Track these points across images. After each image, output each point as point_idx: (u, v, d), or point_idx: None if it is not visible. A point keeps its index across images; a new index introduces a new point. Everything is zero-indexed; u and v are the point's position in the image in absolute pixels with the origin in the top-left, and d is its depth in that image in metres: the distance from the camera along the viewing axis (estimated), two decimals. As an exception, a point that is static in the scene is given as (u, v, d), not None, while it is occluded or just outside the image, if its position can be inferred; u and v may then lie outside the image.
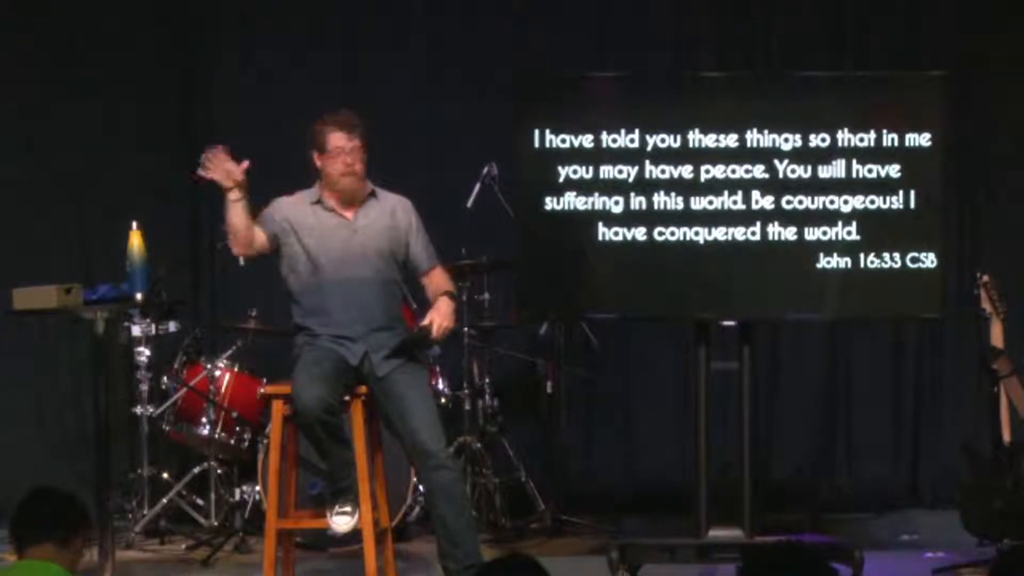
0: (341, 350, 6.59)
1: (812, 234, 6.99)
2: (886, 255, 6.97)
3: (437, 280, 6.79)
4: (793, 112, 7.04)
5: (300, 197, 6.75)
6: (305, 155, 6.74)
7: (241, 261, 6.73)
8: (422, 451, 6.56)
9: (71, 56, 8.85)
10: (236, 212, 6.57)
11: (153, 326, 8.09)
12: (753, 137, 7.00)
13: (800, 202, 6.99)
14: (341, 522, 6.57)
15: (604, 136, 7.03)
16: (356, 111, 6.78)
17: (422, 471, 6.67)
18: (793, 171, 6.99)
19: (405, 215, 6.77)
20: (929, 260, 6.97)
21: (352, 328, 6.60)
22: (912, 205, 6.97)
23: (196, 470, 8.16)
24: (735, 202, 6.99)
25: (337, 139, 6.63)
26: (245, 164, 6.53)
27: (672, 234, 7.02)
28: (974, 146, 8.72)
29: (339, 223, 6.67)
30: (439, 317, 6.63)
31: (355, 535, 6.72)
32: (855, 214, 6.97)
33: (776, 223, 6.99)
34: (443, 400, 7.97)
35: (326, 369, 6.51)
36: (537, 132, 7.03)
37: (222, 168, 6.53)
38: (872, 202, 6.97)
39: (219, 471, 8.07)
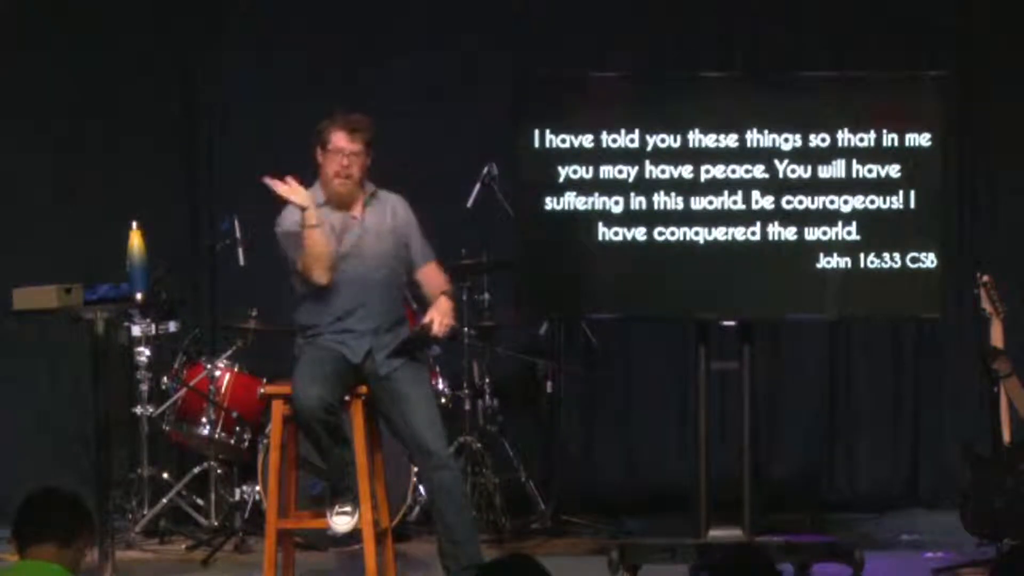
0: (343, 349, 6.59)
1: (812, 234, 6.99)
2: (886, 255, 6.98)
3: (434, 278, 6.78)
4: (793, 112, 7.05)
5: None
6: (307, 156, 6.73)
7: (324, 280, 6.57)
8: (424, 450, 6.56)
9: (71, 56, 8.85)
10: (321, 236, 6.51)
11: (153, 326, 8.09)
12: (753, 137, 7.01)
13: (800, 202, 7.00)
14: (341, 522, 6.57)
15: (604, 136, 7.03)
16: (362, 115, 6.76)
17: (424, 470, 6.68)
18: (793, 171, 7.00)
19: (404, 212, 6.77)
20: (929, 260, 6.98)
21: (360, 325, 6.60)
22: (912, 205, 6.97)
23: (196, 470, 8.16)
24: (735, 202, 7.00)
25: (338, 139, 6.63)
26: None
27: (672, 234, 7.02)
28: (974, 146, 8.73)
29: (350, 223, 6.66)
30: (439, 315, 6.62)
31: (355, 535, 6.73)
32: (855, 214, 6.97)
33: (776, 223, 7.00)
34: (443, 400, 7.96)
35: (326, 369, 6.51)
36: (537, 132, 7.04)
37: (300, 191, 6.55)
38: (872, 202, 6.98)
39: (219, 471, 8.06)
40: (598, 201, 7.03)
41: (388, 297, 6.70)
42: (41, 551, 4.53)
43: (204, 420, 8.08)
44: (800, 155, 6.99)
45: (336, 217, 6.66)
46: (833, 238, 6.98)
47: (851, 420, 8.85)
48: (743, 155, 7.00)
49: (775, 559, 6.74)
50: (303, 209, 6.51)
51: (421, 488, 7.64)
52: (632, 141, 7.03)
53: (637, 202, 7.03)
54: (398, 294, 6.80)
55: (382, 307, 6.66)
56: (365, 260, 6.63)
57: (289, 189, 6.55)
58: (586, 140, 7.03)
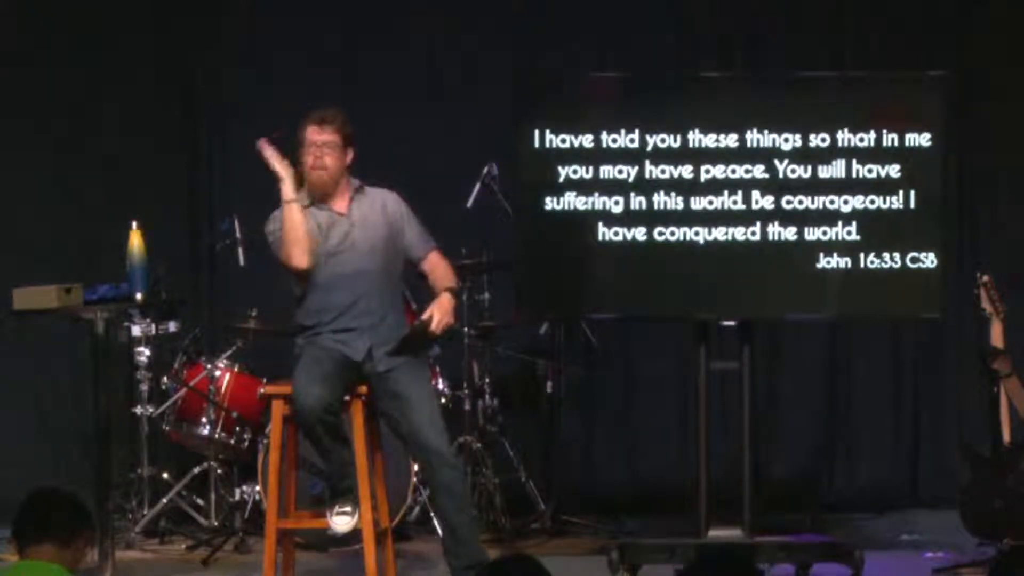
0: (344, 348, 6.59)
1: (812, 234, 6.99)
2: (886, 255, 6.98)
3: (440, 269, 6.78)
4: (793, 112, 7.04)
5: None
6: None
7: (304, 263, 6.57)
8: (426, 448, 6.56)
9: (71, 57, 8.85)
10: (296, 214, 6.55)
11: (153, 326, 8.09)
12: (753, 137, 7.01)
13: (800, 202, 6.99)
14: (341, 522, 6.57)
15: (604, 136, 7.02)
16: (344, 111, 6.76)
17: (425, 468, 6.68)
18: (793, 171, 6.99)
19: (395, 205, 6.78)
20: (929, 260, 6.97)
21: (360, 321, 6.60)
22: (912, 205, 6.97)
23: (196, 470, 8.15)
24: (735, 202, 6.99)
25: (310, 132, 6.67)
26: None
27: (672, 234, 7.02)
28: (974, 146, 8.73)
29: (337, 219, 6.68)
30: (439, 312, 6.63)
31: (355, 535, 6.73)
32: (855, 214, 6.97)
33: (776, 223, 6.99)
34: (443, 400, 7.96)
35: (327, 369, 6.51)
36: (537, 132, 7.03)
37: (285, 164, 6.59)
38: (872, 202, 6.97)
39: (219, 471, 8.06)
40: (598, 201, 7.03)
41: (386, 289, 6.70)
42: (41, 551, 4.53)
43: (204, 420, 8.08)
44: (800, 155, 6.99)
45: (322, 215, 6.67)
46: (833, 238, 6.98)
47: (851, 420, 8.85)
48: (743, 155, 7.00)
49: (775, 559, 6.78)
50: (281, 181, 6.56)
51: (421, 488, 7.64)
52: (632, 141, 7.03)
53: (637, 202, 7.02)
54: (396, 287, 6.81)
55: (380, 300, 6.66)
56: (358, 252, 6.64)
57: (275, 156, 6.59)
58: (586, 140, 7.03)
